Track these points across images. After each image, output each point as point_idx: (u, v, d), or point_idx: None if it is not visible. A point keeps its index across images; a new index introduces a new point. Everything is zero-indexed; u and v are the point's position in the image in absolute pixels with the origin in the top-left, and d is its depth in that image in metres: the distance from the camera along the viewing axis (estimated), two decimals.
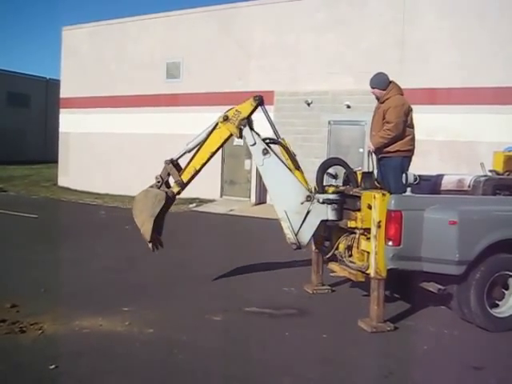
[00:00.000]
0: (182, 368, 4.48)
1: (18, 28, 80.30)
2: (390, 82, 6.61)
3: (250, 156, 16.00)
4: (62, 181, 20.54)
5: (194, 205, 15.85)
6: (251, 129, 6.56)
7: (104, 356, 4.67)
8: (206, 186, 16.77)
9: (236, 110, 6.57)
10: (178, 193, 6.75)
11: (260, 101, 6.56)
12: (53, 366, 4.31)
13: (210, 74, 17.12)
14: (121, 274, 7.57)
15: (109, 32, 19.90)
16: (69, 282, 6.88)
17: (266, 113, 6.72)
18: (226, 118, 6.56)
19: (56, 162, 21.35)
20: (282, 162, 6.50)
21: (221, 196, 17.21)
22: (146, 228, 6.57)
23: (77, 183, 19.56)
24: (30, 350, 4.68)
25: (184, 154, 6.83)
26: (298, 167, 6.60)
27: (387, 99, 6.49)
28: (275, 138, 6.78)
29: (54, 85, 28.23)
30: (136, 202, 6.78)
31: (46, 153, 28.64)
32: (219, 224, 13.11)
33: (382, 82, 6.60)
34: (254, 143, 6.49)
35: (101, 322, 5.43)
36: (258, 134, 6.57)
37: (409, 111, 6.46)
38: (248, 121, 6.54)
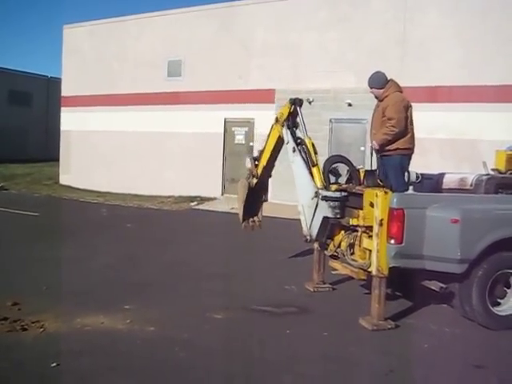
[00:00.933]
0: (183, 366, 4.48)
1: (20, 26, 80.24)
2: (389, 80, 6.61)
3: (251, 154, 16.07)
4: (64, 179, 20.54)
5: (196, 203, 15.84)
6: (289, 128, 6.98)
7: (105, 354, 4.67)
8: (207, 184, 16.84)
9: (281, 112, 7.14)
10: (257, 183, 7.71)
11: (294, 102, 6.98)
12: (54, 364, 4.31)
13: (212, 73, 17.10)
14: (122, 271, 7.58)
15: (110, 30, 19.88)
16: (70, 280, 6.87)
17: (300, 113, 7.03)
18: (276, 120, 7.21)
19: (57, 160, 21.35)
20: (304, 159, 6.73)
21: (222, 194, 17.19)
22: (239, 211, 7.89)
23: (78, 181, 19.55)
24: (32, 348, 4.69)
25: (259, 152, 7.79)
26: (314, 164, 6.68)
27: (386, 97, 6.48)
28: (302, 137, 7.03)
29: (55, 83, 28.17)
30: (237, 190, 8.14)
31: (48, 151, 28.55)
32: (220, 222, 13.08)
33: (379, 81, 6.60)
34: (287, 142, 6.95)
35: (102, 319, 5.43)
36: (294, 134, 6.93)
37: (408, 107, 6.45)
38: (288, 122, 7.00)
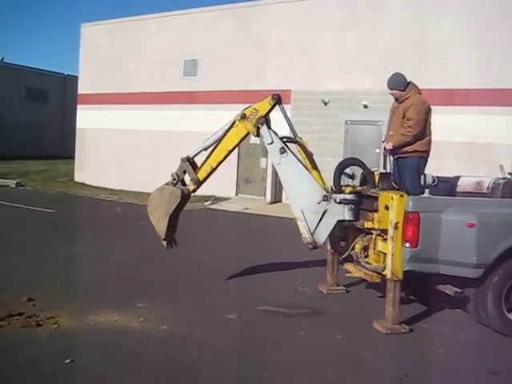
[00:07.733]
0: (195, 365, 4.48)
1: (37, 24, 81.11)
2: (409, 82, 6.55)
3: (265, 154, 16.02)
4: (79, 176, 20.70)
5: (209, 202, 15.87)
6: (269, 127, 6.53)
7: (118, 352, 4.69)
8: (221, 184, 16.78)
9: (254, 109, 6.53)
10: (194, 191, 6.78)
11: (278, 100, 6.54)
12: (68, 360, 4.34)
13: (228, 72, 17.12)
14: (136, 269, 7.60)
15: (127, 29, 19.98)
16: (84, 277, 6.92)
17: (283, 111, 6.69)
18: (243, 116, 6.52)
19: (73, 157, 21.53)
20: (300, 161, 6.48)
21: (236, 194, 17.21)
22: (160, 225, 6.61)
23: (93, 179, 19.68)
24: (46, 344, 4.72)
25: (200, 151, 6.80)
26: (315, 167, 6.60)
27: (407, 99, 6.41)
28: (292, 136, 6.77)
29: (71, 81, 28.48)
30: (151, 199, 6.80)
31: (63, 148, 28.83)
32: (234, 222, 13.11)
33: (400, 83, 6.51)
34: (272, 142, 6.47)
35: (116, 317, 5.46)
36: (276, 133, 6.55)
37: (429, 110, 6.39)
38: (266, 119, 6.52)
